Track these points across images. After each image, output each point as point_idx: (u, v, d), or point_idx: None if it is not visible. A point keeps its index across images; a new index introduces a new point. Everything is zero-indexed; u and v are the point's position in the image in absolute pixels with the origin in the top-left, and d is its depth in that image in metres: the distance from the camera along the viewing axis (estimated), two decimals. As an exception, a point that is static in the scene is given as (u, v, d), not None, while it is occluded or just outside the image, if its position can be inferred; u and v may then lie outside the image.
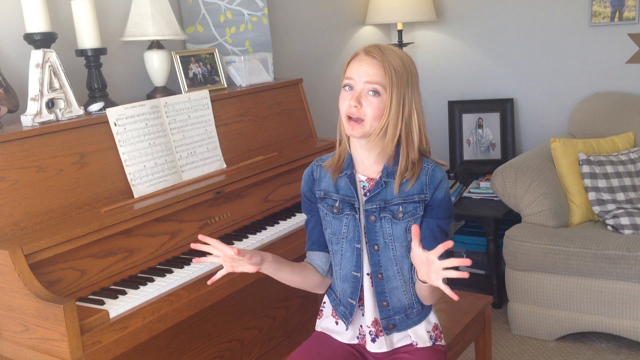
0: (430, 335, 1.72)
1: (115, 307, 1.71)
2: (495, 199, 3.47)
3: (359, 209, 1.63)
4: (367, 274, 1.67)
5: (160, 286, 1.84)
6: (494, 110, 3.89)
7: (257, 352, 2.53)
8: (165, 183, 2.17)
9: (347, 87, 1.58)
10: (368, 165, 1.64)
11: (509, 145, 3.87)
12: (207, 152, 2.34)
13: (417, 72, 1.62)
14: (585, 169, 3.04)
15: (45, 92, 2.01)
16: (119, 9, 2.45)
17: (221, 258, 1.57)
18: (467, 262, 1.33)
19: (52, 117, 2.01)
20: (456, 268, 1.37)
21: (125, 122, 2.09)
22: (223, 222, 2.25)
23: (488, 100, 3.92)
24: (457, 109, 3.96)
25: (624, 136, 3.25)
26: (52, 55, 2.04)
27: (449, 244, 1.37)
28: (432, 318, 1.74)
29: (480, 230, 3.58)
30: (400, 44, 3.84)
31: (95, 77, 2.24)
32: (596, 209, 2.99)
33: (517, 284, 2.96)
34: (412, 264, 1.61)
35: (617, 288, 2.74)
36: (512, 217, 3.23)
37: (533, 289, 2.92)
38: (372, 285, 1.67)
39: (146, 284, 1.85)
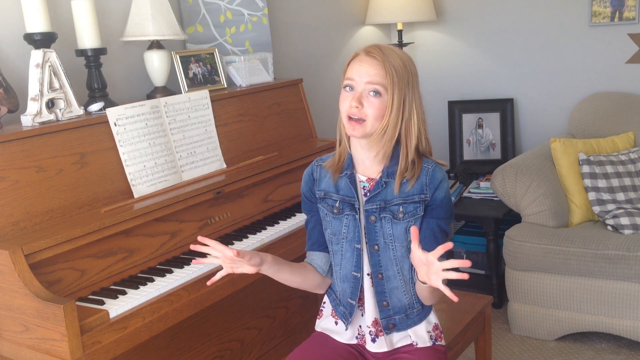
0: (431, 335, 1.72)
1: (115, 307, 1.71)
2: (495, 199, 3.47)
3: (359, 209, 1.63)
4: (367, 274, 1.67)
5: (160, 286, 1.84)
6: (494, 110, 3.89)
7: (257, 352, 2.53)
8: (165, 183, 2.17)
9: (347, 88, 1.58)
10: (368, 165, 1.64)
11: (509, 145, 3.87)
12: (207, 152, 2.34)
13: (417, 71, 1.62)
14: (585, 169, 3.04)
15: (45, 92, 2.01)
16: (119, 9, 2.45)
17: (221, 259, 1.57)
18: (467, 263, 1.33)
19: (52, 117, 2.01)
20: (456, 269, 1.37)
21: (125, 122, 2.09)
22: (223, 222, 2.25)
23: (488, 100, 3.92)
24: (457, 109, 3.96)
25: (624, 136, 3.25)
26: (52, 55, 2.04)
27: (448, 246, 1.37)
28: (432, 318, 1.74)
29: (480, 230, 3.58)
30: (400, 44, 3.84)
31: (95, 77, 2.24)
32: (596, 209, 2.99)
33: (517, 284, 2.96)
34: (412, 264, 1.61)
35: (617, 288, 2.74)
36: (512, 217, 3.23)
37: (533, 289, 2.92)
38: (372, 285, 1.67)
39: (146, 284, 1.85)
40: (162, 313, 1.81)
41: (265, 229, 2.28)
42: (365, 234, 1.64)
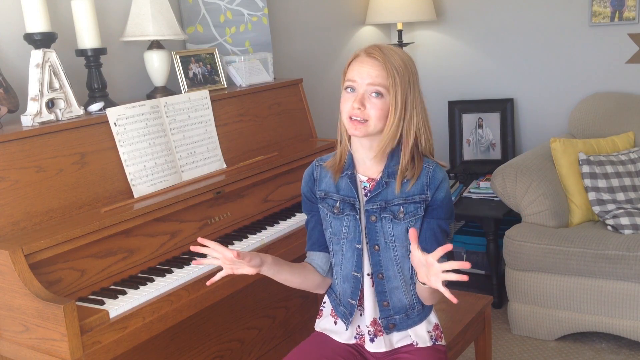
0: (431, 335, 1.72)
1: (115, 307, 1.71)
2: (495, 199, 3.47)
3: (359, 209, 1.63)
4: (368, 274, 1.67)
5: (160, 286, 1.84)
6: (494, 110, 3.89)
7: (257, 352, 2.53)
8: (165, 183, 2.17)
9: (348, 89, 1.58)
10: (369, 165, 1.64)
11: (509, 145, 3.87)
12: (207, 152, 2.34)
13: (417, 71, 1.62)
14: (585, 169, 3.04)
15: (45, 92, 2.01)
16: (119, 9, 2.45)
17: (220, 260, 1.57)
18: (466, 265, 1.32)
19: (52, 117, 2.01)
20: (456, 271, 1.36)
21: (125, 122, 2.09)
22: (223, 222, 2.24)
23: (488, 100, 3.92)
24: (457, 109, 3.96)
25: (624, 136, 3.25)
26: (52, 55, 2.04)
27: (448, 247, 1.36)
28: (433, 318, 1.74)
29: (480, 230, 3.58)
30: (400, 44, 3.84)
31: (95, 77, 2.24)
32: (596, 209, 2.99)
33: (517, 284, 2.96)
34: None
35: (617, 288, 2.74)
36: (512, 217, 3.23)
37: (533, 289, 2.92)
38: (373, 285, 1.67)
39: (146, 284, 1.85)
40: (162, 313, 1.81)
41: (265, 229, 2.27)
42: (365, 234, 1.64)
